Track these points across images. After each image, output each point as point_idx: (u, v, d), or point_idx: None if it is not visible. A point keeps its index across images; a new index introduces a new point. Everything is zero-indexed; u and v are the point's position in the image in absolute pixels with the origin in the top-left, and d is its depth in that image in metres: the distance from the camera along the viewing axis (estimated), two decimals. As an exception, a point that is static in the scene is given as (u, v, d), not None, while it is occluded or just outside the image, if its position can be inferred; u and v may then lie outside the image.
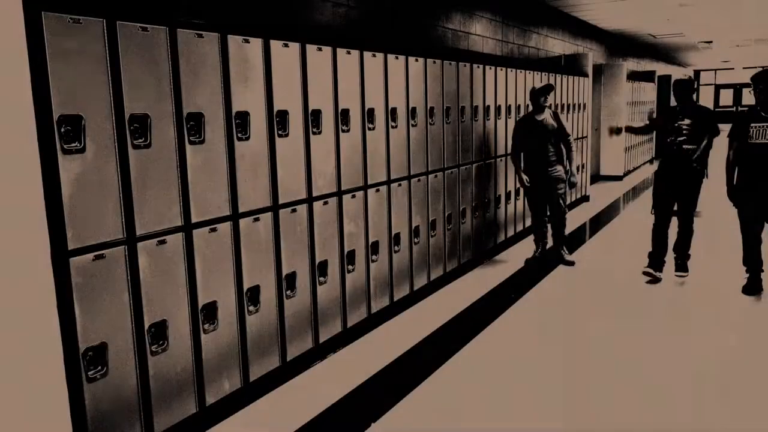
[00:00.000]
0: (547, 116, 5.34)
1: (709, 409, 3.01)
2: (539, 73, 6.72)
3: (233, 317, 3.00)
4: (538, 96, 5.30)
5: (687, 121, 4.74)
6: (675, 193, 4.84)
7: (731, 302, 4.51)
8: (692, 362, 3.52)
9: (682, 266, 5.00)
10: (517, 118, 5.82)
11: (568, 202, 6.29)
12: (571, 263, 5.50)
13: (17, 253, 2.11)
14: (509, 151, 5.80)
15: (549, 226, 5.63)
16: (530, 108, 5.49)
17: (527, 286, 4.98)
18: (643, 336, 3.92)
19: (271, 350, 3.26)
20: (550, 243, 5.74)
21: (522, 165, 5.54)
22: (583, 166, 8.83)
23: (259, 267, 3.13)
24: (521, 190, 6.23)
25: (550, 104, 5.37)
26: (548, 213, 5.57)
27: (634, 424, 2.89)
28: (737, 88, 26.32)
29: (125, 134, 2.45)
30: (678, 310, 4.49)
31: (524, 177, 5.40)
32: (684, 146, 4.71)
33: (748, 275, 4.66)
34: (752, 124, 4.37)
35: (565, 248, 5.60)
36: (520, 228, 6.53)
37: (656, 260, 5.01)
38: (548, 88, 5.28)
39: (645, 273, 5.02)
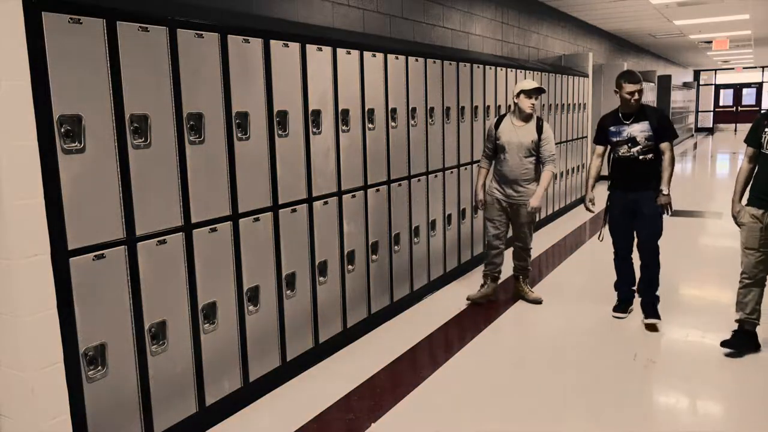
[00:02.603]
0: (530, 125, 4.27)
1: None
2: (539, 73, 6.73)
3: (233, 317, 3.00)
4: (523, 97, 4.24)
5: (641, 126, 3.84)
6: (632, 216, 3.94)
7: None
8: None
9: (650, 311, 3.98)
10: (496, 117, 4.66)
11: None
12: (538, 301, 4.52)
13: (17, 252, 2.12)
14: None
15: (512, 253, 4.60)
16: (511, 108, 4.42)
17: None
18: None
19: (271, 350, 3.26)
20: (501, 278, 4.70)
21: (490, 175, 4.50)
22: (583, 166, 8.83)
23: (259, 267, 3.13)
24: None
25: (534, 107, 4.26)
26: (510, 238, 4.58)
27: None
28: (737, 88, 26.31)
29: (125, 134, 2.45)
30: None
31: (480, 195, 4.43)
32: (640, 157, 3.85)
33: (738, 325, 3.57)
34: (767, 129, 3.41)
35: (528, 284, 4.62)
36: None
37: (621, 297, 4.19)
38: (539, 91, 4.25)
39: (615, 317, 4.17)
